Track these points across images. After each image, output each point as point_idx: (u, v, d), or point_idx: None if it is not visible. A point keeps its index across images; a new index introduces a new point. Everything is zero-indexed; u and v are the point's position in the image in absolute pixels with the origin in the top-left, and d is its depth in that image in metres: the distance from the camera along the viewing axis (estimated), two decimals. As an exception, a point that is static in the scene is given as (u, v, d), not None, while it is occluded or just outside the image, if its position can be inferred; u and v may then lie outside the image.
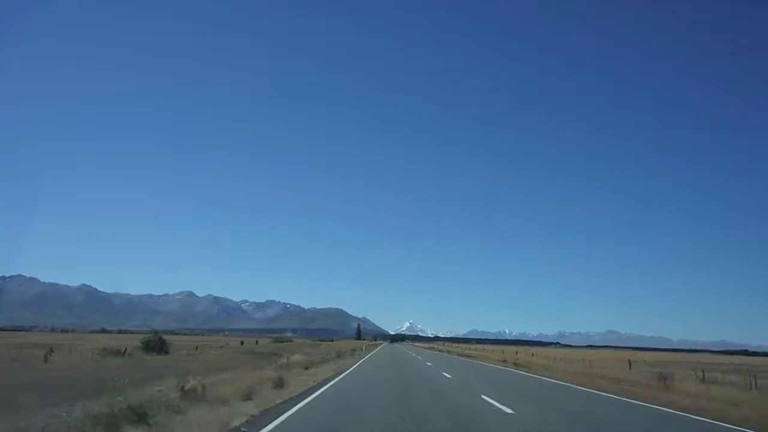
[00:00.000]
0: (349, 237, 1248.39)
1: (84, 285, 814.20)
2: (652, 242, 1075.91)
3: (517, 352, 70.51)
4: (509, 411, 11.75)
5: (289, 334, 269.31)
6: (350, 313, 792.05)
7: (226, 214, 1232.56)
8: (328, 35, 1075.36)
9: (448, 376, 24.19)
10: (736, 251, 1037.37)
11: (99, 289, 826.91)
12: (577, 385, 21.16)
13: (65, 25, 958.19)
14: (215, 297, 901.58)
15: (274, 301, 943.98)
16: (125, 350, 33.10)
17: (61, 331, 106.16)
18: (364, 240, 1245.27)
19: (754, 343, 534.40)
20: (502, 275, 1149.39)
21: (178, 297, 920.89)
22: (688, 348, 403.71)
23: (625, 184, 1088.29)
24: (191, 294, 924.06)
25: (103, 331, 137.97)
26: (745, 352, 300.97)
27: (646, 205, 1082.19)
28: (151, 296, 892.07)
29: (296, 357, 31.25)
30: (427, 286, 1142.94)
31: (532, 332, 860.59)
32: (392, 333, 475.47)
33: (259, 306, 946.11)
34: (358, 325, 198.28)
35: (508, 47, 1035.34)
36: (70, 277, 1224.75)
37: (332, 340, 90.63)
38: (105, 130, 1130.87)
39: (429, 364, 36.39)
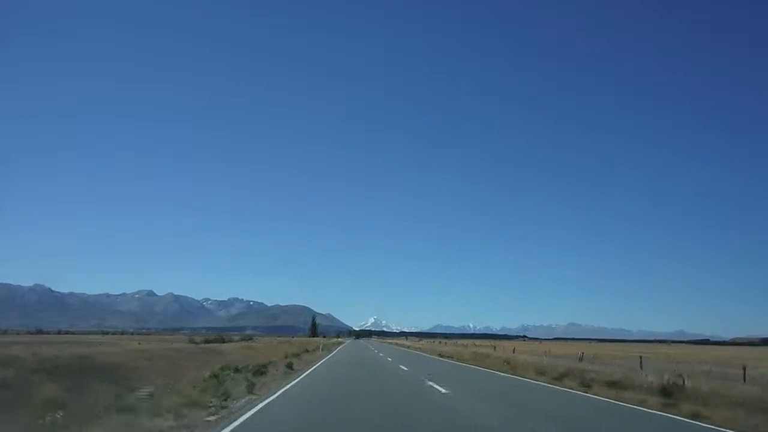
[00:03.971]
0: (312, 234, 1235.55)
1: (37, 285, 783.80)
2: (610, 233, 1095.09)
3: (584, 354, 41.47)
4: None
5: (249, 332, 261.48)
6: (315, 310, 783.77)
7: (186, 213, 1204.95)
8: (326, 38, 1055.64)
9: None
10: (691, 242, 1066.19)
11: (53, 289, 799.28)
12: None
13: (49, 32, 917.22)
14: (176, 295, 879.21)
15: (237, 298, 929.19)
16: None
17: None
18: (327, 237, 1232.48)
19: (708, 332, 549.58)
20: (465, 269, 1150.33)
21: (137, 296, 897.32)
22: (648, 339, 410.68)
23: (581, 173, 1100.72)
24: (151, 293, 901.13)
25: (39, 332, 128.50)
26: (706, 342, 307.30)
27: (602, 193, 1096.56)
28: (108, 296, 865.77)
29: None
30: (391, 282, 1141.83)
31: (496, 326, 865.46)
32: (357, 329, 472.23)
33: (222, 304, 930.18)
34: (313, 318, 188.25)
35: (506, 47, 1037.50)
36: (23, 277, 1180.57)
37: (250, 340, 69.84)
38: (95, 136, 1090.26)
39: None
